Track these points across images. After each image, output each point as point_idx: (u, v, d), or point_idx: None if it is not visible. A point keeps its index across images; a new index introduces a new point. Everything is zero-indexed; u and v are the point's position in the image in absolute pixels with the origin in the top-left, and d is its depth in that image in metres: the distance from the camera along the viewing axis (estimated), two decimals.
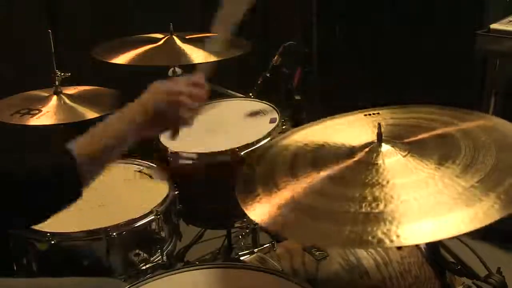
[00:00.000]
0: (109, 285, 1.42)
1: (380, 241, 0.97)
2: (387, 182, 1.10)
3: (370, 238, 0.98)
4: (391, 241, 0.97)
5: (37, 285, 1.42)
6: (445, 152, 1.16)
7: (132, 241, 1.64)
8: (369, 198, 1.06)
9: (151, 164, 1.90)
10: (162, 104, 1.20)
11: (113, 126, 1.18)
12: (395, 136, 1.26)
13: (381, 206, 1.04)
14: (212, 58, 2.06)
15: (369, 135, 1.28)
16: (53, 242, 1.57)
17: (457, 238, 0.98)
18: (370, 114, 1.42)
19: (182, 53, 2.10)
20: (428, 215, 1.00)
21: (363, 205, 1.05)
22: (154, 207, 1.67)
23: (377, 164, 1.16)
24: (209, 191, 1.89)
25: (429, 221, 0.99)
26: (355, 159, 1.20)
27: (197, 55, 2.08)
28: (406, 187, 1.08)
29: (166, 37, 2.20)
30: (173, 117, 1.21)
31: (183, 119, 1.22)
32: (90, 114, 1.96)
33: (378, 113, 1.42)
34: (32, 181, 1.08)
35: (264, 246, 1.41)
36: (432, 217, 0.99)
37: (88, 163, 1.12)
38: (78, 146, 1.13)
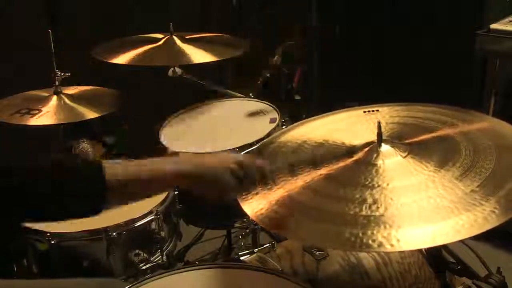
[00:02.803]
0: (109, 285, 1.42)
1: (380, 244, 0.97)
2: (387, 184, 1.10)
3: (370, 241, 0.98)
4: (391, 245, 0.96)
5: (37, 286, 1.42)
6: (445, 154, 1.16)
7: (132, 241, 1.64)
8: (369, 200, 1.06)
9: None
10: (224, 172, 1.18)
11: (160, 164, 1.17)
12: (395, 136, 1.26)
13: (381, 209, 1.04)
14: (212, 58, 2.07)
15: (369, 134, 1.27)
16: (53, 242, 1.57)
17: None
18: (369, 111, 1.42)
19: (182, 53, 2.10)
20: (428, 219, 1.00)
21: (363, 207, 1.05)
22: (154, 207, 1.67)
23: (376, 164, 1.16)
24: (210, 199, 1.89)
25: (429, 225, 0.98)
26: (354, 158, 1.20)
27: (197, 55, 2.08)
28: (406, 190, 1.08)
29: (166, 37, 2.20)
30: (225, 189, 1.19)
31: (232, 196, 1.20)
32: (90, 114, 1.96)
33: (378, 110, 1.42)
34: (58, 188, 1.07)
35: (264, 246, 1.41)
36: (432, 221, 0.99)
37: (116, 187, 1.09)
38: (110, 166, 1.11)
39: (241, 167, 1.20)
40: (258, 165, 1.24)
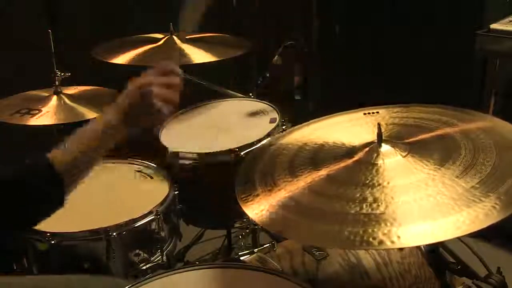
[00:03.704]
0: (109, 285, 1.42)
1: (381, 242, 0.97)
2: (388, 183, 1.10)
3: (371, 239, 0.98)
4: (392, 242, 0.97)
5: (37, 283, 1.42)
6: (445, 153, 1.16)
7: (132, 241, 1.64)
8: (370, 199, 1.07)
9: (151, 164, 1.90)
10: (134, 99, 1.21)
11: (86, 131, 1.21)
12: (395, 136, 1.26)
13: (382, 207, 1.04)
14: (212, 58, 2.07)
15: (369, 135, 1.28)
16: (53, 242, 1.57)
17: (457, 238, 0.98)
18: (369, 113, 1.42)
19: (182, 53, 2.10)
20: (429, 216, 1.00)
21: (364, 206, 1.06)
22: (154, 207, 1.67)
23: (377, 164, 1.16)
24: (209, 191, 1.89)
25: (429, 222, 0.99)
26: (355, 159, 1.20)
27: (197, 55, 2.08)
28: (406, 188, 1.08)
29: (166, 37, 2.20)
30: (149, 110, 1.22)
31: (160, 110, 1.22)
32: (90, 114, 1.96)
33: (378, 112, 1.42)
34: (14, 190, 1.11)
35: (264, 246, 1.41)
36: (433, 218, 0.99)
37: (67, 171, 1.15)
38: (53, 156, 1.15)
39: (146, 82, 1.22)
40: (163, 70, 1.26)
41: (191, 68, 2.17)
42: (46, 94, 2.05)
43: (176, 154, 1.87)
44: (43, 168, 1.14)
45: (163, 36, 2.21)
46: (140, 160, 1.92)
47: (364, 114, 1.43)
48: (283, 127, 1.97)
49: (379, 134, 1.20)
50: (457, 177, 1.08)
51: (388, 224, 1.00)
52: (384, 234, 0.98)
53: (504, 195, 1.01)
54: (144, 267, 1.65)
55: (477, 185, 1.05)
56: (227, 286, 1.21)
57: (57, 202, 1.16)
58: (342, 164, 1.20)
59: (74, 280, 1.39)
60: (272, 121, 1.99)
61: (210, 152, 1.85)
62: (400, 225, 0.99)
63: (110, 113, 1.22)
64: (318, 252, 1.33)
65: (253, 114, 2.08)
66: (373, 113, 1.42)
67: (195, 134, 1.98)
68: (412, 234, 0.98)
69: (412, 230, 0.99)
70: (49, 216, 1.17)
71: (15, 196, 1.11)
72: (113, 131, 1.21)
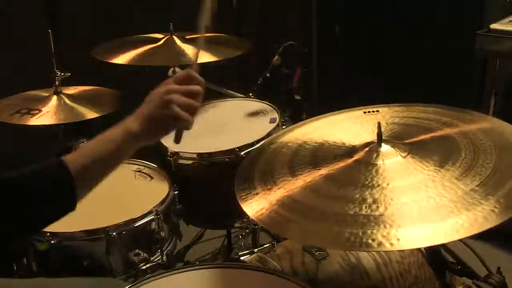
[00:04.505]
0: (109, 285, 1.42)
1: (380, 244, 0.97)
2: (387, 184, 1.10)
3: (370, 240, 0.98)
4: (391, 244, 0.96)
5: (37, 285, 1.42)
6: (445, 154, 1.16)
7: (132, 241, 1.64)
8: (369, 200, 1.06)
9: (151, 164, 1.90)
10: (155, 108, 1.19)
11: (106, 137, 1.18)
12: (395, 136, 1.26)
13: (381, 209, 1.04)
14: (212, 58, 2.07)
15: (369, 134, 1.28)
16: (53, 242, 1.57)
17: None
18: (369, 112, 1.42)
19: (182, 53, 2.10)
20: (428, 218, 1.00)
21: (363, 207, 1.05)
22: (154, 207, 1.67)
23: (376, 164, 1.16)
24: (209, 191, 1.89)
25: (429, 224, 0.99)
26: (354, 158, 1.20)
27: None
28: (406, 189, 1.08)
29: (166, 37, 2.20)
30: (170, 119, 1.19)
31: (182, 119, 1.19)
32: (90, 114, 1.96)
33: (378, 111, 1.42)
34: (25, 192, 1.08)
35: (264, 246, 1.41)
36: (432, 221, 0.99)
37: (82, 175, 1.12)
38: (69, 159, 1.13)
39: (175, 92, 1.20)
40: (185, 78, 1.23)
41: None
42: (46, 94, 2.05)
43: (176, 154, 1.87)
44: (56, 170, 1.11)
45: (163, 36, 2.21)
46: (140, 160, 1.92)
47: (364, 112, 1.43)
48: (283, 127, 1.97)
49: (379, 134, 1.20)
50: (457, 178, 1.08)
51: (387, 225, 1.00)
52: (383, 236, 0.98)
53: (504, 199, 1.01)
54: (144, 267, 1.65)
55: (477, 188, 1.05)
56: (227, 286, 1.21)
57: (68, 205, 1.13)
58: (342, 164, 1.20)
59: (74, 283, 1.39)
60: (272, 121, 1.99)
61: (210, 152, 1.85)
62: (399, 227, 0.99)
63: (131, 121, 1.19)
64: (318, 252, 1.33)
65: (253, 114, 2.08)
66: (373, 111, 1.42)
67: (195, 134, 1.97)
68: (411, 236, 0.98)
69: (411, 232, 0.99)
70: (58, 219, 1.14)
71: (27, 197, 1.09)
72: (133, 140, 1.18)
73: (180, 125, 1.22)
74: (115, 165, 1.20)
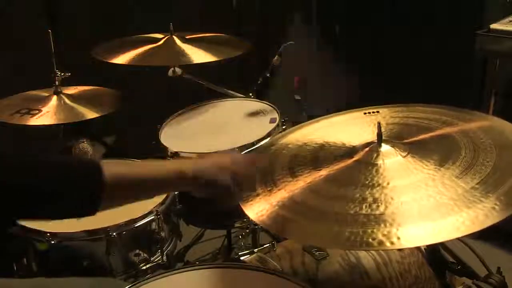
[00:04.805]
0: (109, 285, 1.42)
1: (380, 243, 0.97)
2: (387, 183, 1.10)
3: (370, 240, 0.98)
4: (392, 243, 0.96)
5: (37, 285, 1.41)
6: (445, 153, 1.16)
7: (132, 241, 1.64)
8: (370, 199, 1.06)
9: None
10: (224, 176, 1.18)
11: (158, 166, 1.17)
12: (395, 136, 1.26)
13: (381, 208, 1.04)
14: (212, 58, 2.07)
15: (369, 135, 1.28)
16: (53, 242, 1.57)
17: (457, 238, 0.98)
18: (370, 113, 1.42)
19: (182, 53, 2.10)
20: (429, 217, 1.00)
21: (363, 206, 1.05)
22: (154, 207, 1.67)
23: (377, 164, 1.16)
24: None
25: (429, 223, 0.99)
26: (354, 159, 1.20)
27: (197, 55, 2.08)
28: (406, 188, 1.08)
29: (166, 37, 2.20)
30: (224, 188, 1.18)
31: (233, 195, 1.19)
32: (90, 114, 1.96)
33: (378, 112, 1.42)
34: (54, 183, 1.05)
35: (264, 246, 1.41)
36: (433, 219, 0.99)
37: (113, 187, 1.07)
38: (106, 167, 1.08)
39: (241, 170, 1.20)
40: (255, 165, 1.24)
41: (191, 68, 2.18)
42: (46, 94, 2.05)
43: (176, 154, 1.87)
44: (91, 172, 1.06)
45: (163, 36, 2.21)
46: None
47: (365, 113, 1.43)
48: (283, 127, 1.97)
49: (379, 134, 1.20)
50: (457, 177, 1.08)
51: (388, 224, 1.00)
52: (383, 235, 0.98)
53: (504, 196, 1.01)
54: (144, 267, 1.65)
55: (477, 186, 1.05)
56: (227, 286, 1.21)
57: (90, 209, 1.08)
58: (342, 164, 1.20)
59: (74, 283, 1.39)
60: (272, 121, 1.99)
61: (210, 152, 1.85)
62: (399, 225, 0.99)
63: (187, 165, 1.17)
64: (318, 252, 1.33)
65: (253, 114, 2.08)
66: (373, 112, 1.42)
67: (195, 134, 1.98)
68: (412, 235, 0.98)
69: (412, 230, 0.99)
70: (72, 218, 1.10)
71: (57, 188, 1.04)
72: (181, 183, 1.18)
73: (225, 198, 1.22)
74: (147, 197, 1.19)
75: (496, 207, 0.99)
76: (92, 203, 1.07)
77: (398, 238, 0.97)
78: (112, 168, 1.09)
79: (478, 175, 1.07)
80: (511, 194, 1.01)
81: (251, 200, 1.17)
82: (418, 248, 1.41)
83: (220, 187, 1.18)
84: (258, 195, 1.18)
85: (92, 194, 1.06)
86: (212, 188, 1.19)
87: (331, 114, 1.48)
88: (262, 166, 1.25)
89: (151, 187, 1.18)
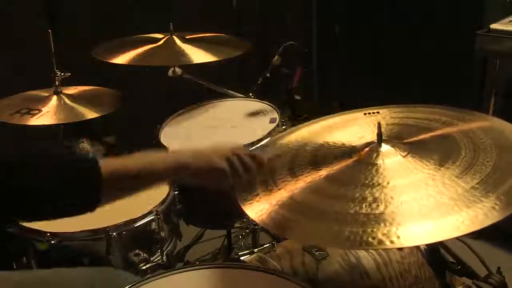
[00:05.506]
0: (108, 275, 1.41)
1: (380, 242, 0.97)
2: (387, 183, 1.10)
3: (370, 239, 0.98)
4: (391, 242, 0.96)
5: (37, 277, 1.41)
6: (445, 153, 1.16)
7: (132, 241, 1.64)
8: (369, 199, 1.07)
9: None
10: (220, 160, 1.19)
11: (156, 157, 1.17)
12: (395, 136, 1.26)
13: (381, 207, 1.04)
14: (212, 58, 2.07)
15: (369, 135, 1.28)
16: (53, 242, 1.57)
17: (457, 238, 0.98)
18: (370, 113, 1.43)
19: (182, 53, 2.10)
20: (428, 216, 1.00)
21: (363, 205, 1.05)
22: (154, 207, 1.67)
23: (377, 164, 1.16)
24: (209, 191, 1.89)
25: (429, 222, 0.99)
26: (354, 158, 1.20)
27: (197, 55, 2.08)
28: (406, 188, 1.08)
29: (166, 37, 2.20)
30: (225, 172, 1.19)
31: (239, 175, 1.20)
32: (90, 114, 1.96)
33: (378, 112, 1.42)
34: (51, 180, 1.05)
35: (264, 246, 1.41)
36: (432, 218, 0.99)
37: (112, 182, 1.08)
38: (105, 164, 1.09)
39: (239, 156, 1.21)
40: (254, 156, 1.25)
41: (191, 68, 2.18)
42: (46, 94, 2.05)
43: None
44: (89, 169, 1.07)
45: (163, 36, 2.21)
46: None
47: (365, 114, 1.43)
48: (283, 127, 1.97)
49: (379, 134, 1.20)
50: (457, 177, 1.08)
51: (388, 224, 1.00)
52: (383, 234, 0.98)
53: (504, 195, 1.01)
54: (144, 267, 1.65)
55: (477, 185, 1.05)
56: (227, 286, 1.21)
57: (89, 206, 1.09)
58: (342, 164, 1.20)
59: (74, 274, 1.38)
60: (272, 121, 1.99)
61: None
62: (399, 225, 0.99)
63: (190, 155, 1.19)
64: (318, 252, 1.33)
65: (253, 114, 2.08)
66: (373, 113, 1.42)
67: (195, 134, 1.98)
68: (412, 234, 0.98)
69: (412, 230, 0.99)
70: (73, 216, 1.10)
71: (54, 187, 1.04)
72: (184, 173, 1.18)
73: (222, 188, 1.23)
74: (148, 187, 1.19)
75: (496, 206, 0.99)
76: (91, 199, 1.08)
77: (398, 237, 0.97)
78: (109, 161, 1.10)
79: (478, 175, 1.07)
80: (511, 194, 1.01)
81: (252, 200, 1.17)
82: (418, 248, 1.41)
83: (215, 170, 1.19)
84: (258, 195, 1.18)
85: (91, 189, 1.07)
86: (209, 176, 1.20)
87: (331, 115, 1.48)
88: (262, 165, 1.25)
89: (149, 178, 1.18)
